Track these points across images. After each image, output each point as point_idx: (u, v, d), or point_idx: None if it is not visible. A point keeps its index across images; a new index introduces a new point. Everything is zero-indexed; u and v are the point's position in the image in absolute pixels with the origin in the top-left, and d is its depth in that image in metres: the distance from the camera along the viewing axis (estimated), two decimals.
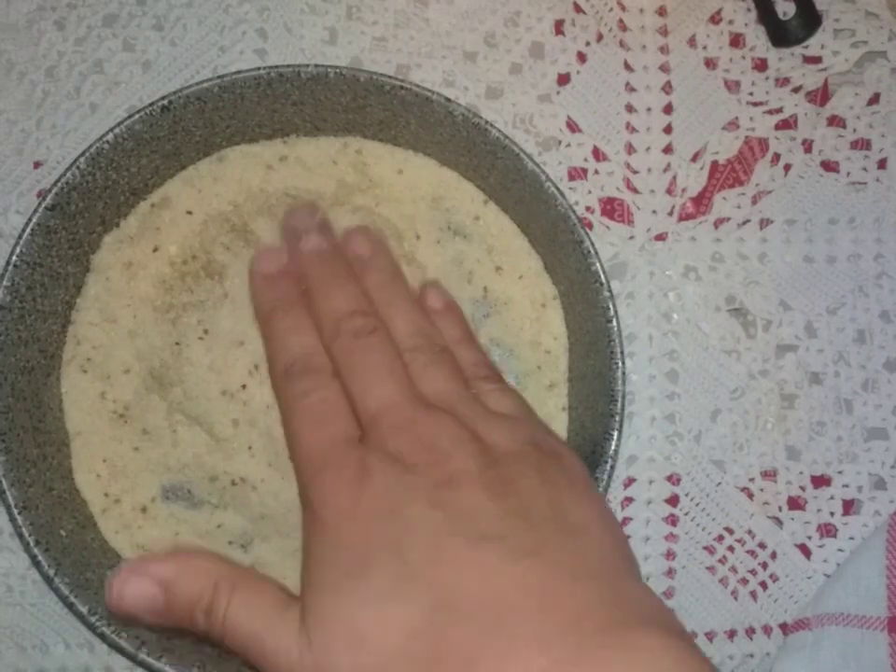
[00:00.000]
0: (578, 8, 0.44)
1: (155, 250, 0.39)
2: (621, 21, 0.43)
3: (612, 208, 0.43)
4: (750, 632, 0.40)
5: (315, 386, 0.32)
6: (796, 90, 0.43)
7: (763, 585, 0.40)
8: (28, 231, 0.37)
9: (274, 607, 0.29)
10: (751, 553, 0.41)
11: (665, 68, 0.43)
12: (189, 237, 0.39)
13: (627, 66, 0.43)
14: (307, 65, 0.38)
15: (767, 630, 0.40)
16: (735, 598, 0.40)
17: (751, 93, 0.43)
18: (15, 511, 0.35)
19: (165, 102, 0.38)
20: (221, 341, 0.37)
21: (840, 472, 0.41)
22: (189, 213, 0.40)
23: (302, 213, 0.38)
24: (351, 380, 0.32)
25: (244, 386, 0.37)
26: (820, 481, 0.41)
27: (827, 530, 0.41)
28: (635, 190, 0.43)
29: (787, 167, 0.43)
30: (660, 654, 0.26)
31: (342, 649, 0.27)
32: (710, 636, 0.40)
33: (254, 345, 0.37)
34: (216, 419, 0.37)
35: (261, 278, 0.36)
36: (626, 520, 0.41)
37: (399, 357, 0.33)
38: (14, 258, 0.36)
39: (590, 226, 0.42)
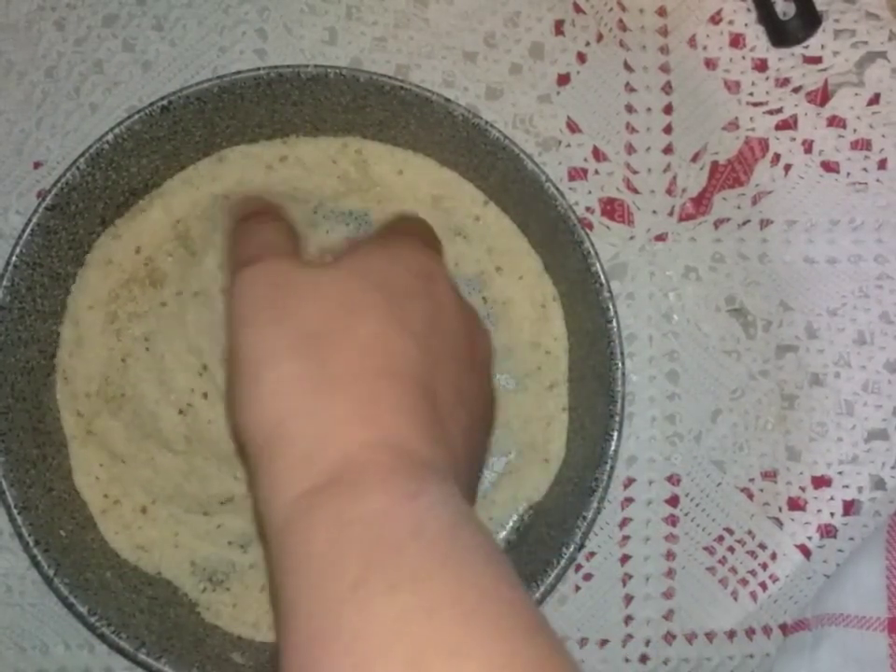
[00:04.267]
0: (578, 9, 0.44)
1: (137, 252, 0.39)
2: (620, 21, 0.43)
3: (612, 208, 0.43)
4: (750, 632, 0.40)
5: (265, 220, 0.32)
6: (796, 90, 0.43)
7: (763, 586, 0.40)
8: (28, 231, 0.37)
9: None
10: (751, 553, 0.40)
11: (664, 68, 0.43)
12: (164, 241, 0.39)
13: (627, 66, 0.43)
14: (307, 66, 0.38)
15: (767, 631, 0.40)
16: (735, 599, 0.40)
17: (751, 94, 0.43)
18: (15, 512, 0.35)
19: (165, 102, 0.38)
20: (163, 354, 0.38)
21: (840, 473, 0.41)
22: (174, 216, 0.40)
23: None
24: None
25: (189, 404, 0.37)
26: (821, 481, 0.41)
27: (827, 531, 0.41)
28: (635, 191, 0.43)
29: (787, 167, 0.43)
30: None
31: None
32: (710, 636, 0.40)
33: (194, 360, 0.37)
34: (168, 435, 0.37)
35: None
36: (626, 520, 0.41)
37: None
38: (14, 258, 0.36)
39: (590, 226, 0.42)
